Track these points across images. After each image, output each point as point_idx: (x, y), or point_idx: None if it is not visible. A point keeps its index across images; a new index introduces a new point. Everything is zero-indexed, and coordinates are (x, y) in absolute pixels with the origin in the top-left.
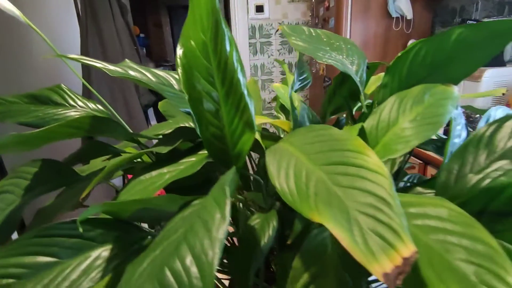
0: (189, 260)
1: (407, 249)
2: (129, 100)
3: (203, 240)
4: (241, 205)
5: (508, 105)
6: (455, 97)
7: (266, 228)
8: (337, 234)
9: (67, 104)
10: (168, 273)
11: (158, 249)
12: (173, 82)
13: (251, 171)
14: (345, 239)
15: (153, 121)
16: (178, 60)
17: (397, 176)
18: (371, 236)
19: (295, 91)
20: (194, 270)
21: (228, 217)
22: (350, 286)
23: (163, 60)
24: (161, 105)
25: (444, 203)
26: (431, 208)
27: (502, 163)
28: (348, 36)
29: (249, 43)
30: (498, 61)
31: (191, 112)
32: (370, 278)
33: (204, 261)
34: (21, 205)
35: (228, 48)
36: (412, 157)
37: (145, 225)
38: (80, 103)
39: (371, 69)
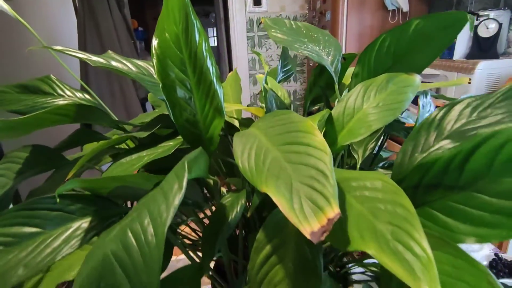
0: (146, 221)
1: (333, 211)
2: (127, 94)
3: (160, 205)
4: (225, 190)
5: None
6: (416, 85)
7: (235, 205)
8: (277, 201)
9: (55, 94)
10: (129, 234)
11: (127, 219)
12: (153, 72)
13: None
14: (284, 206)
15: None
16: (153, 50)
17: (372, 161)
18: (307, 202)
19: (279, 82)
20: (150, 229)
21: (184, 187)
22: (308, 256)
23: None
24: (150, 96)
25: (381, 176)
26: (369, 181)
27: (445, 142)
28: (344, 29)
29: (247, 36)
30: (491, 54)
31: (165, 99)
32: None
33: (159, 222)
34: (13, 186)
35: (197, 39)
36: None
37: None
38: (68, 92)
39: (348, 60)
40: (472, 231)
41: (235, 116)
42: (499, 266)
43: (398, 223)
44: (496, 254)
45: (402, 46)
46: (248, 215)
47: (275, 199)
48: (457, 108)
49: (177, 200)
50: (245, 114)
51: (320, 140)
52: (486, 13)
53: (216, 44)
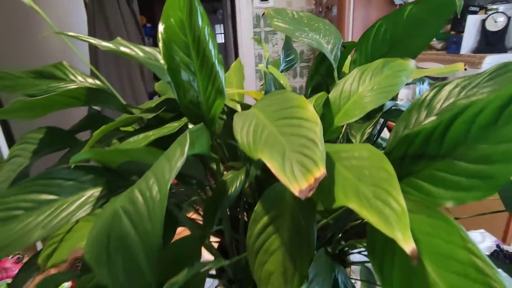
0: (152, 181)
1: (319, 172)
2: (136, 87)
3: (164, 167)
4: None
5: None
6: (410, 69)
7: (235, 181)
8: (270, 165)
9: (68, 79)
10: (136, 192)
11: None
12: (159, 57)
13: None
14: (276, 169)
15: None
16: (159, 35)
17: None
18: (297, 166)
19: (281, 71)
20: (155, 187)
21: (186, 153)
22: (303, 226)
23: None
24: (157, 85)
25: (368, 147)
26: (357, 152)
27: (431, 119)
28: (350, 24)
29: (254, 32)
30: (499, 48)
31: (170, 82)
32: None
33: (162, 181)
34: (29, 164)
35: (200, 23)
36: None
37: None
38: (80, 78)
39: (348, 49)
40: (450, 195)
41: (237, 99)
42: (500, 257)
43: (380, 184)
44: (497, 246)
45: (398, 32)
46: (246, 186)
47: (269, 163)
48: (447, 88)
49: (179, 163)
50: (248, 101)
51: (311, 113)
52: (495, 6)
53: (223, 41)
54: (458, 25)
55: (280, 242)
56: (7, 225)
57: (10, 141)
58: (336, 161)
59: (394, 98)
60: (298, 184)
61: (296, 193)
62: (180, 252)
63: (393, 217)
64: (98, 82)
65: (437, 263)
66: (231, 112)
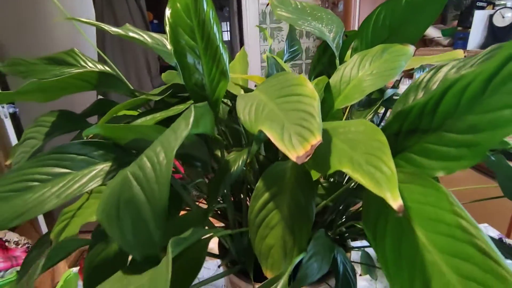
0: (158, 149)
1: (316, 140)
2: (143, 83)
3: (170, 137)
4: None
5: None
6: (409, 54)
7: (238, 160)
8: (270, 135)
9: (79, 65)
10: (144, 158)
11: None
12: (166, 43)
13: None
14: (275, 138)
15: None
16: (166, 19)
17: None
18: (295, 137)
19: (285, 61)
20: (161, 153)
21: (190, 125)
22: (302, 202)
23: None
24: (164, 75)
25: (364, 122)
26: (353, 127)
27: None
28: (356, 20)
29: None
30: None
31: (176, 64)
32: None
33: (168, 148)
34: (41, 146)
35: (205, 7)
36: None
37: None
38: (90, 64)
39: (350, 37)
40: (441, 166)
41: (241, 84)
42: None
43: (372, 152)
44: (500, 239)
45: (397, 18)
46: (248, 161)
47: (268, 133)
48: (444, 70)
49: (184, 134)
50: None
51: (310, 89)
52: (502, 1)
53: (229, 39)
54: (465, 20)
55: (280, 217)
56: (24, 195)
57: (19, 135)
58: (333, 136)
59: (396, 87)
60: (296, 151)
61: (294, 159)
62: (184, 224)
63: (383, 179)
64: (107, 68)
65: (426, 227)
66: (235, 98)
